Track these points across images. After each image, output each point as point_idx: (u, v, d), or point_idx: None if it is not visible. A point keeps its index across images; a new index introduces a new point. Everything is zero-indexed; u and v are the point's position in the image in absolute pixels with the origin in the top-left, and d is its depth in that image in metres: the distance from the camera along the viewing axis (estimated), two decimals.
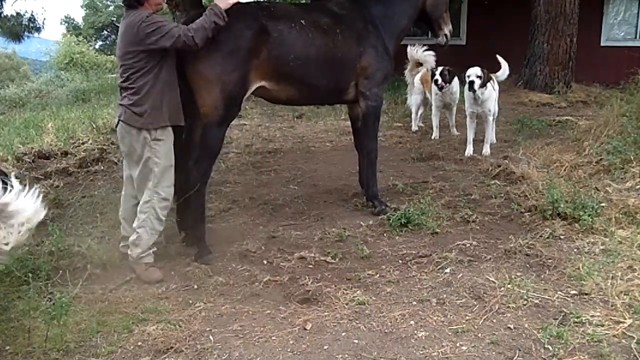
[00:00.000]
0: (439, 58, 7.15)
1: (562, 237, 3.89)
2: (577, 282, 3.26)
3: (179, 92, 3.68)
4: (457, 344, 2.70)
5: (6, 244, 2.46)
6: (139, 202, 3.66)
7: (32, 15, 14.71)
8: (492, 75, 6.47)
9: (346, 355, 2.66)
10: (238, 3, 3.72)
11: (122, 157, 3.84)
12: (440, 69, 6.66)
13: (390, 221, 4.25)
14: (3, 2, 13.16)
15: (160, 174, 3.60)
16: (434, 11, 4.78)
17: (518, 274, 3.41)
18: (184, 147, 4.00)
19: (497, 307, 3.03)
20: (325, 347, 2.73)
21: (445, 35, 4.88)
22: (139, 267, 3.59)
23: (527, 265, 3.53)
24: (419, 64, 7.51)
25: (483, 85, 5.84)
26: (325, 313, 3.04)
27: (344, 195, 5.12)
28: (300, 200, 5.00)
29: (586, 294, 3.11)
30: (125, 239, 3.73)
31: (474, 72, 5.82)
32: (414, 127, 7.68)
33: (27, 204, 2.54)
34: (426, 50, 7.28)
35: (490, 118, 6.25)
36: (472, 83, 5.81)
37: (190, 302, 3.25)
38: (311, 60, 4.07)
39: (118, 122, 3.63)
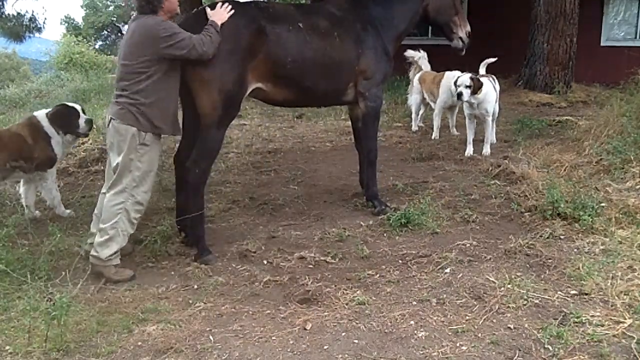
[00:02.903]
0: (438, 58, 7.14)
1: (562, 237, 3.89)
2: (577, 282, 3.26)
3: (177, 104, 3.68)
4: (457, 344, 2.70)
5: None
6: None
7: (32, 15, 14.70)
8: (491, 76, 6.47)
9: (346, 355, 2.66)
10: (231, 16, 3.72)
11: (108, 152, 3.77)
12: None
13: (390, 221, 4.25)
14: (4, 2, 13.15)
15: (139, 179, 3.57)
16: (437, 16, 4.65)
17: (518, 274, 3.41)
18: (184, 147, 4.01)
19: (497, 307, 3.03)
20: (325, 347, 2.73)
21: (461, 38, 4.67)
22: (108, 270, 3.54)
23: (527, 265, 3.53)
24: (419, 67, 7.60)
25: (474, 92, 5.84)
26: (325, 313, 3.04)
27: (344, 195, 5.12)
28: (300, 200, 5.00)
29: (586, 294, 3.11)
30: (93, 236, 3.66)
31: (463, 82, 5.82)
32: (414, 127, 7.68)
33: None
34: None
35: (489, 119, 6.23)
36: (460, 94, 5.84)
37: (190, 302, 3.25)
38: (308, 62, 4.05)
39: (109, 121, 3.59)
